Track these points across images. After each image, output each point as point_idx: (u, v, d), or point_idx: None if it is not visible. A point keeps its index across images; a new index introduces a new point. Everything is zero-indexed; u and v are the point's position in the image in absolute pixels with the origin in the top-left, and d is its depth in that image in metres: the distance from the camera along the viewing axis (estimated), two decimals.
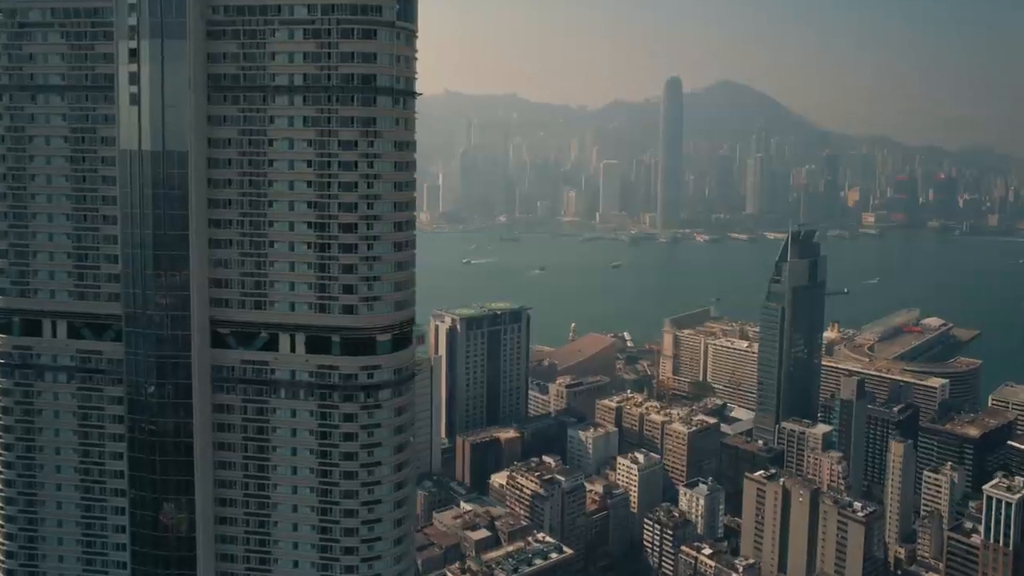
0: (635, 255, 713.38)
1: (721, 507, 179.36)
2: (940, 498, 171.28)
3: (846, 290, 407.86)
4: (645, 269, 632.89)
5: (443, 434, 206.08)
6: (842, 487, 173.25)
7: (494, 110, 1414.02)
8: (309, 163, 79.33)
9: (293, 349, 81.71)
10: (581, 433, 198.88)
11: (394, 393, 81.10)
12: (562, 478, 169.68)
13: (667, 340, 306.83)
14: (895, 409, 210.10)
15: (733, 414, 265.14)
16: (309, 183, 79.22)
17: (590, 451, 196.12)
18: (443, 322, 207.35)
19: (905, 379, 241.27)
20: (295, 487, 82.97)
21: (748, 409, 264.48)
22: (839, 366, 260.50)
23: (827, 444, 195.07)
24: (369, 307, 78.61)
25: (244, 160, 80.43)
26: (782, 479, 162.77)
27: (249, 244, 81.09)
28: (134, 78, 78.16)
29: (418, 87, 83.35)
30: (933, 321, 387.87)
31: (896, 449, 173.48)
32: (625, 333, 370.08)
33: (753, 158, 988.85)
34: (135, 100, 78.41)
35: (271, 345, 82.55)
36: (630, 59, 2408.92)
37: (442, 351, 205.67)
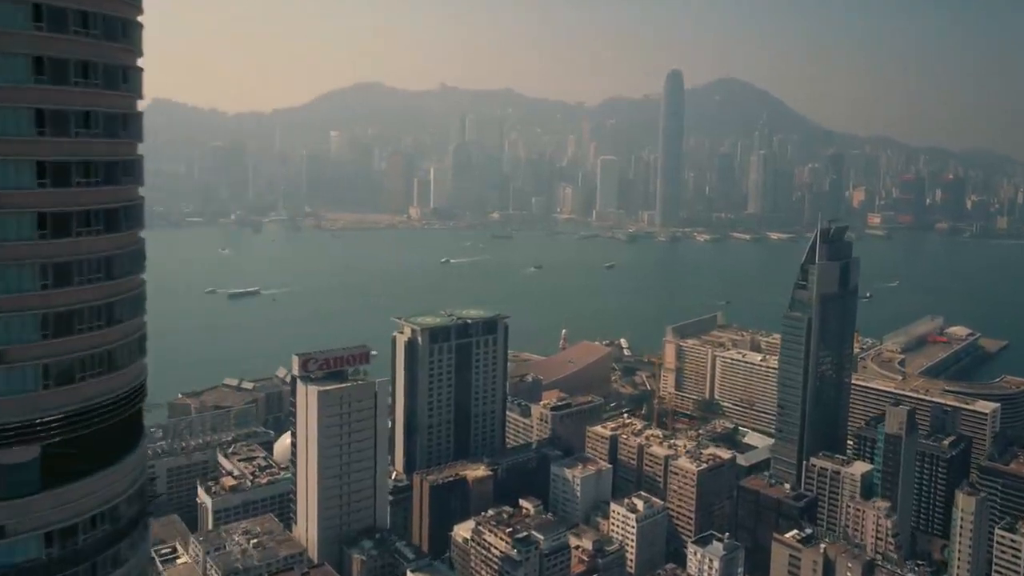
0: (633, 254, 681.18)
1: (740, 569, 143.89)
2: (1019, 565, 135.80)
3: (868, 295, 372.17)
4: (644, 269, 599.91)
5: (400, 468, 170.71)
6: (893, 550, 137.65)
7: (490, 105, 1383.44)
8: None
9: None
10: (567, 471, 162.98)
11: None
12: (540, 536, 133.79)
13: (669, 351, 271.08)
14: (945, 443, 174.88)
15: (746, 440, 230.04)
16: None
17: (578, 494, 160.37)
18: (401, 333, 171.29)
19: (949, 403, 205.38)
20: None
21: (763, 434, 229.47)
22: (868, 385, 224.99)
23: (866, 488, 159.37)
24: None
25: None
26: (823, 545, 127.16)
27: None
28: None
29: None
30: (959, 330, 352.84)
31: (965, 503, 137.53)
32: (622, 340, 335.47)
33: (756, 155, 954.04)
34: None
35: None
36: (629, 55, 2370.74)
37: (400, 369, 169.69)
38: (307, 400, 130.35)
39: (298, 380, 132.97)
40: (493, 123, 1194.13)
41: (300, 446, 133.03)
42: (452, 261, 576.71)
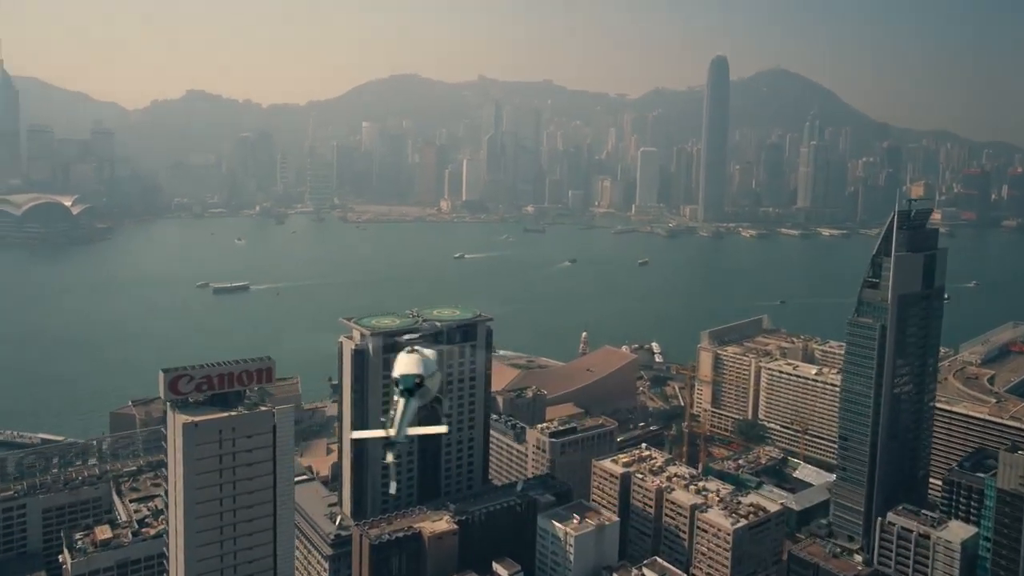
0: (673, 250, 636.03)
1: None
2: None
3: (947, 296, 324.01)
4: (683, 266, 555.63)
5: (348, 514, 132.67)
6: None
7: (528, 97, 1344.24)
8: None
9: None
10: (558, 525, 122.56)
11: None
12: None
13: (704, 360, 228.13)
14: None
15: (796, 473, 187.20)
16: None
17: (571, 556, 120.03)
18: (349, 338, 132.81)
19: None
20: None
21: (818, 467, 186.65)
22: (954, 410, 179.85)
23: (968, 560, 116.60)
24: None
25: None
26: None
27: None
28: None
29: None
30: None
31: None
32: (654, 344, 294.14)
33: (806, 147, 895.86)
34: None
35: None
36: (674, 46, 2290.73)
37: (347, 385, 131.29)
38: (175, 434, 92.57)
39: (168, 406, 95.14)
40: (530, 114, 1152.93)
41: (171, 496, 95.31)
42: (467, 256, 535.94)
